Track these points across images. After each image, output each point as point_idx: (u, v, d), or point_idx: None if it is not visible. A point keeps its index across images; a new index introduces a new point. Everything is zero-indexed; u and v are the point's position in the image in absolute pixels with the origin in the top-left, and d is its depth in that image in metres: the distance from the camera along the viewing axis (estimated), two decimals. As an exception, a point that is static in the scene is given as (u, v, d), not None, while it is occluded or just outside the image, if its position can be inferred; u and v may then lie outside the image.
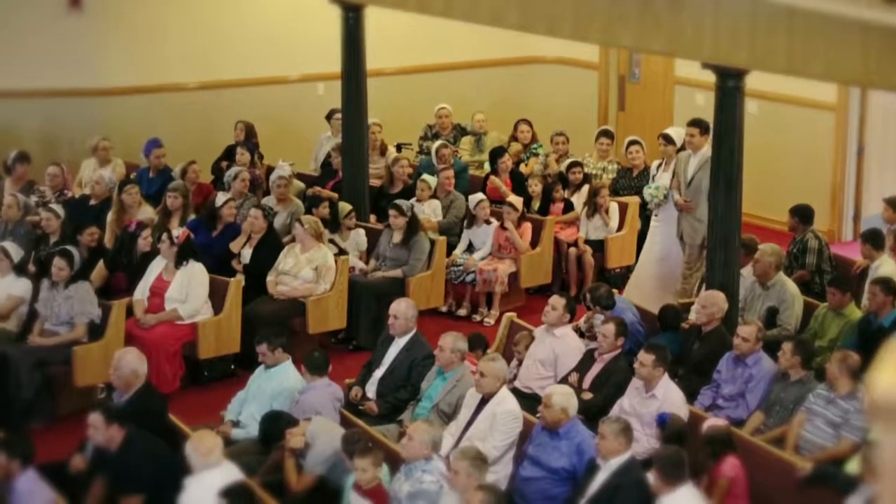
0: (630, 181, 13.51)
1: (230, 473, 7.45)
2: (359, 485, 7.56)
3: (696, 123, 11.29)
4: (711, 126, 9.66)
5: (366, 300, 11.51)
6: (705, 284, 9.98)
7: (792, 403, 8.56)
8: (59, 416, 10.23)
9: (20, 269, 10.65)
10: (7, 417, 9.88)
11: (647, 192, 11.79)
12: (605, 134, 13.97)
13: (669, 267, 11.59)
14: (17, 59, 14.44)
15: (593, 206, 12.76)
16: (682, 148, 11.70)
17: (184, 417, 8.83)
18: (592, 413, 8.56)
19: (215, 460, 7.46)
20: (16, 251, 10.70)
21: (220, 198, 11.92)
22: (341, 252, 11.63)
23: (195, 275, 10.75)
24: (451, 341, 9.00)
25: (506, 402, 8.32)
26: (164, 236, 10.83)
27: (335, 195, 12.84)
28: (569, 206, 13.05)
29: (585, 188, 13.06)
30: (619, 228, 12.83)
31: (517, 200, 12.52)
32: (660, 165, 11.99)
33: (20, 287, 10.54)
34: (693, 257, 11.33)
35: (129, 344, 9.99)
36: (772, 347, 9.09)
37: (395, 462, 7.90)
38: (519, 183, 13.40)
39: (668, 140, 11.93)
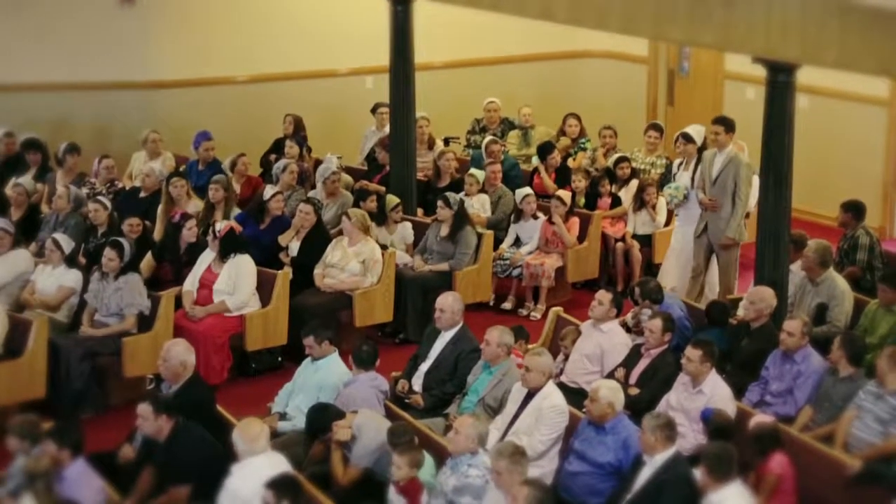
0: (679, 175, 13.46)
1: (275, 461, 7.49)
2: (395, 480, 7.60)
3: (721, 121, 11.19)
4: (762, 121, 9.57)
5: (412, 293, 11.54)
6: (753, 280, 9.93)
7: (841, 400, 8.49)
8: (109, 406, 10.32)
9: (71, 261, 10.74)
10: (58, 407, 10.03)
11: (667, 191, 11.72)
12: (654, 128, 13.90)
13: (680, 265, 11.51)
14: (71, 53, 14.61)
15: (640, 201, 12.72)
16: (703, 147, 11.60)
17: (231, 409, 8.87)
18: (639, 408, 8.52)
19: (261, 447, 7.51)
20: (67, 243, 10.77)
21: (268, 191, 11.98)
22: (383, 248, 11.66)
23: (242, 267, 10.81)
24: (498, 335, 9.00)
25: (552, 396, 8.32)
26: (210, 230, 10.90)
27: (382, 188, 12.87)
28: (616, 201, 13.01)
29: (633, 183, 13.02)
30: (667, 223, 12.78)
31: (565, 195, 12.51)
32: (680, 164, 11.85)
33: (71, 278, 10.63)
34: (721, 259, 11.21)
35: (178, 335, 10.09)
36: (821, 344, 9.03)
37: (441, 456, 7.92)
38: (566, 178, 13.37)
39: (688, 139, 11.77)
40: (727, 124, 11.11)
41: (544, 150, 13.63)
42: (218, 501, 7.46)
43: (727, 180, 10.96)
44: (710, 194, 11.14)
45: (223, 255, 10.78)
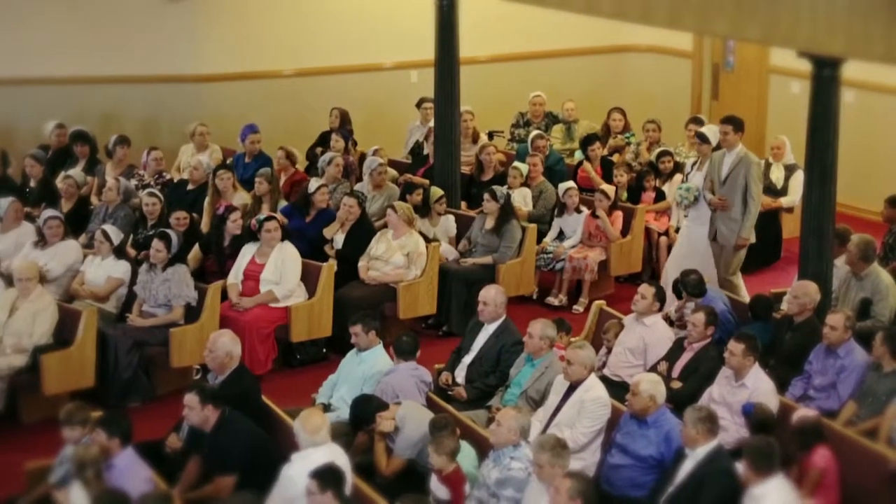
0: (722, 170, 13.44)
1: (335, 453, 7.53)
2: (435, 469, 7.66)
3: (730, 120, 11.09)
4: (807, 115, 9.53)
5: (456, 286, 11.59)
6: (797, 274, 9.90)
7: (885, 395, 8.45)
8: (156, 396, 10.44)
9: (119, 252, 10.84)
10: (106, 397, 10.15)
11: (678, 192, 11.59)
12: (696, 122, 13.87)
13: (690, 267, 11.10)
14: (120, 47, 14.77)
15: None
16: (719, 147, 11.45)
17: (276, 399, 8.94)
18: (681, 402, 8.53)
19: (322, 439, 7.53)
20: (116, 234, 10.88)
21: (313, 184, 12.06)
22: (427, 240, 11.70)
23: (288, 256, 10.89)
24: (541, 328, 9.02)
25: (594, 389, 8.33)
26: (270, 224, 10.96)
27: (426, 182, 12.93)
28: (660, 195, 13.01)
29: (677, 177, 13.00)
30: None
31: (609, 188, 12.53)
32: (694, 164, 11.75)
33: (120, 269, 10.74)
34: (729, 262, 11.11)
35: (224, 326, 10.17)
36: (866, 339, 8.99)
37: (483, 447, 7.95)
38: (609, 172, 13.38)
39: (703, 139, 11.61)
40: (736, 124, 11.01)
41: (587, 141, 13.64)
42: (274, 488, 7.50)
43: (737, 180, 10.86)
44: (719, 194, 11.01)
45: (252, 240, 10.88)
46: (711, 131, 11.62)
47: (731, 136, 10.97)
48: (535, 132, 13.97)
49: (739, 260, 11.26)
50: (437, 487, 7.66)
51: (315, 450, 7.47)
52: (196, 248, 11.41)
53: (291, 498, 7.29)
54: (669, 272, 11.40)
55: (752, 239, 11.31)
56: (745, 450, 7.32)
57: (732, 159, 10.97)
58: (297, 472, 7.29)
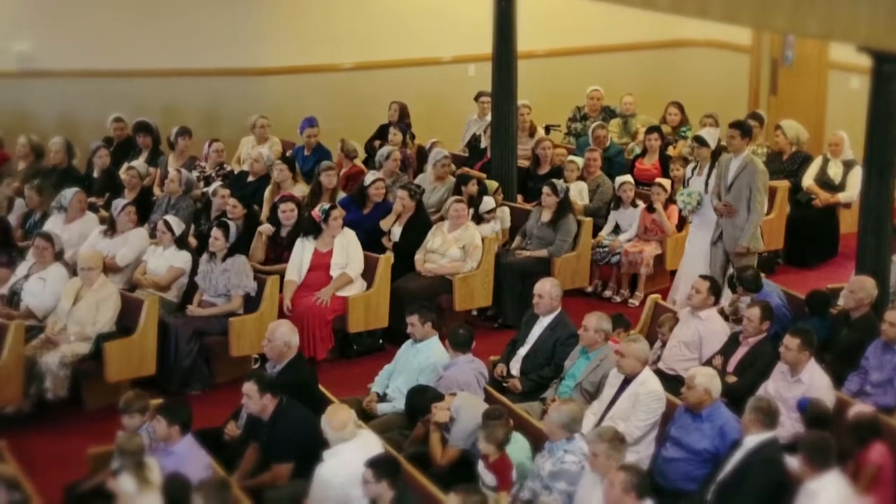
0: (780, 165, 13.39)
1: (366, 445, 7.58)
2: (482, 454, 7.72)
3: (738, 125, 10.95)
4: (866, 111, 9.47)
5: (511, 279, 11.63)
6: (855, 270, 9.85)
7: (942, 391, 8.43)
8: (215, 384, 10.56)
9: (181, 242, 10.96)
10: (167, 384, 10.30)
11: (680, 198, 11.39)
12: (754, 117, 13.82)
13: (697, 271, 10.90)
14: (183, 40, 14.95)
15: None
16: (718, 150, 11.26)
17: (333, 389, 9.02)
18: (736, 396, 8.53)
19: (350, 433, 7.59)
20: (177, 224, 11.00)
21: (369, 177, 12.13)
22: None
23: (351, 239, 11.04)
24: (595, 321, 9.05)
25: (648, 382, 8.33)
26: (336, 212, 11.06)
27: (483, 175, 12.98)
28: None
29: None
30: (768, 212, 12.71)
31: (666, 182, 12.52)
32: (694, 169, 11.50)
33: (181, 259, 10.86)
34: (735, 266, 10.80)
35: (284, 316, 10.28)
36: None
37: (537, 439, 7.99)
38: (665, 166, 13.36)
39: (702, 142, 11.35)
40: (743, 128, 10.88)
41: (649, 131, 13.65)
42: (311, 488, 7.55)
43: (742, 186, 10.69)
44: (725, 200, 10.84)
45: (306, 234, 10.99)
46: (710, 135, 11.40)
47: (737, 141, 10.76)
48: (595, 123, 14.00)
49: (751, 263, 10.91)
50: (485, 473, 7.74)
51: (344, 445, 7.54)
52: (258, 237, 11.49)
53: (328, 497, 7.39)
54: (680, 278, 11.34)
55: (761, 247, 11.11)
56: (801, 444, 7.30)
57: (738, 165, 10.77)
58: (329, 472, 7.39)
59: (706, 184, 11.16)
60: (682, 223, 12.44)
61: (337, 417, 7.60)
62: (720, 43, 16.30)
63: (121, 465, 7.56)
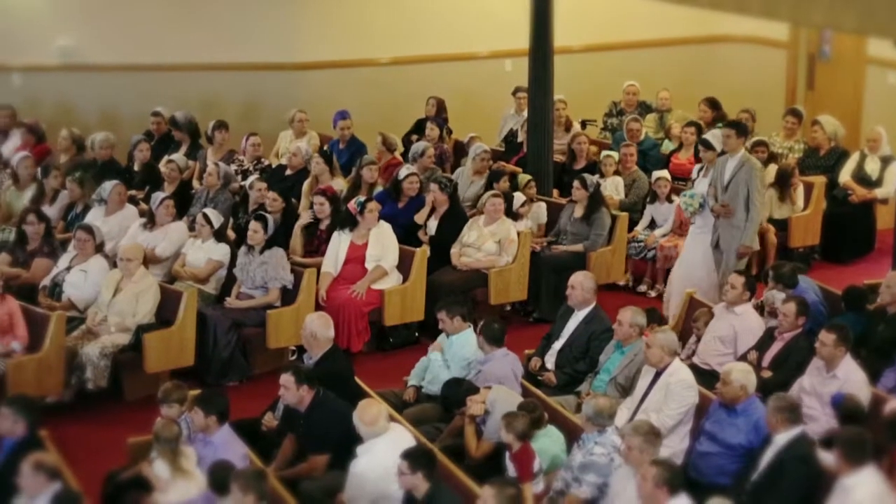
0: (817, 160, 13.36)
1: (398, 439, 7.62)
2: (508, 445, 7.79)
3: (733, 125, 10.87)
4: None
5: (546, 273, 11.67)
6: (891, 265, 9.81)
7: (978, 388, 8.40)
8: (253, 375, 10.65)
9: (220, 235, 11.04)
10: (205, 375, 10.40)
11: (683, 200, 11.20)
12: (793, 113, 13.80)
13: (696, 276, 10.85)
14: (223, 35, 15.05)
15: (784, 188, 12.64)
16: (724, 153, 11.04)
17: (369, 381, 9.09)
18: (772, 392, 8.51)
19: (382, 428, 7.64)
20: (216, 217, 11.09)
21: (403, 171, 12.19)
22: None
23: (386, 232, 11.11)
24: (630, 316, 9.07)
25: (679, 372, 8.36)
26: (372, 204, 11.14)
27: (519, 170, 13.02)
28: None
29: (771, 167, 12.94)
30: (805, 208, 12.70)
31: (702, 178, 12.51)
32: (700, 170, 11.35)
33: (219, 252, 10.94)
34: (730, 266, 10.67)
35: (320, 308, 10.36)
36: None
37: (572, 433, 8.04)
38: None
39: (707, 146, 11.13)
40: (739, 128, 10.77)
41: (685, 126, 13.63)
42: (347, 484, 7.62)
43: (739, 186, 10.57)
44: (721, 200, 10.70)
45: (342, 227, 11.06)
46: (716, 137, 11.16)
47: (732, 141, 10.63)
48: (629, 117, 14.01)
49: (742, 266, 10.86)
50: (508, 463, 7.81)
51: (377, 440, 7.59)
52: (297, 231, 11.57)
53: (364, 493, 7.45)
54: (674, 283, 11.17)
55: (756, 246, 11.06)
56: (837, 440, 7.26)
57: (734, 164, 10.66)
58: (364, 467, 7.44)
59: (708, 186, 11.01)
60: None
61: (368, 412, 7.66)
62: (757, 38, 16.24)
63: (156, 451, 7.69)
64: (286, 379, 8.12)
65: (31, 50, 14.96)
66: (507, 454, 7.83)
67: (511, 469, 7.78)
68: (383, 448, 7.49)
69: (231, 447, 7.80)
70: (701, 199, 10.94)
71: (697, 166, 11.61)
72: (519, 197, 11.96)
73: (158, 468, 7.63)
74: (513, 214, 11.81)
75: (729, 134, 10.69)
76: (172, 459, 7.62)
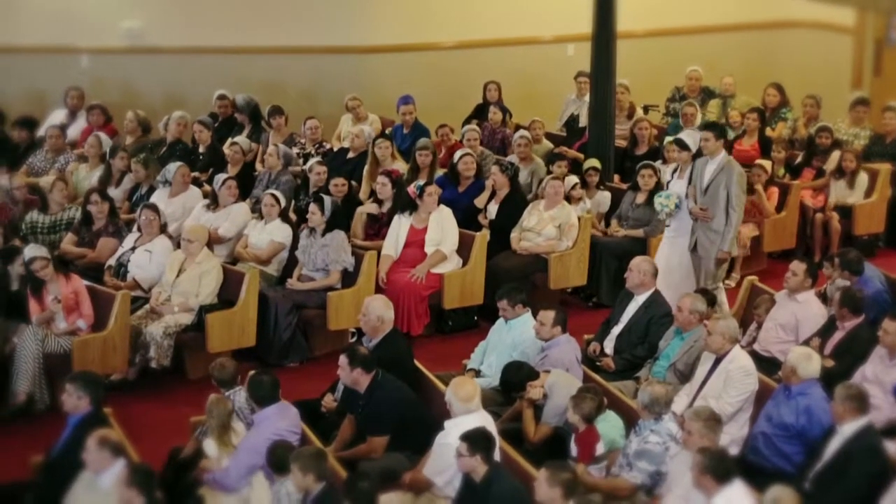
0: (883, 148, 13.22)
1: (486, 420, 7.66)
2: (574, 427, 7.82)
3: (711, 127, 10.65)
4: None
5: (606, 258, 11.65)
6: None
7: None
8: (313, 357, 10.73)
9: (283, 217, 11.12)
10: (266, 356, 10.50)
11: (658, 201, 10.87)
12: (862, 102, 13.67)
13: (673, 281, 10.47)
14: (286, 18, 15.14)
15: (840, 171, 12.54)
16: (699, 154, 10.74)
17: (428, 364, 9.13)
18: (833, 380, 8.46)
19: (475, 406, 7.67)
20: (281, 199, 11.19)
21: (458, 153, 12.21)
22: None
23: (446, 216, 11.14)
24: (690, 302, 9.03)
25: (738, 359, 8.32)
26: (431, 188, 11.17)
27: (581, 155, 13.00)
28: (820, 173, 12.86)
29: (835, 154, 12.83)
30: (869, 195, 12.57)
31: (766, 163, 12.43)
32: (674, 172, 11.06)
33: (282, 234, 11.03)
34: (710, 272, 10.45)
35: (381, 291, 10.42)
36: None
37: (631, 418, 8.01)
38: (766, 147, 13.27)
39: (682, 146, 10.80)
40: (717, 130, 10.51)
41: (748, 112, 13.54)
42: (430, 455, 7.66)
43: (718, 189, 10.30)
44: (700, 203, 10.42)
45: (403, 210, 11.11)
46: (691, 137, 10.91)
47: (711, 143, 10.34)
48: (685, 102, 13.92)
49: (723, 271, 10.70)
50: (572, 445, 7.83)
51: (468, 417, 7.59)
52: (358, 215, 11.63)
53: (448, 466, 7.45)
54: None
55: (735, 252, 10.85)
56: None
57: (714, 167, 10.38)
58: (453, 440, 7.38)
59: (687, 188, 10.72)
60: (782, 205, 12.35)
61: (464, 389, 7.68)
62: (824, 24, 16.07)
63: (206, 428, 7.79)
64: (342, 360, 8.18)
65: (98, 32, 15.15)
66: (574, 435, 7.84)
67: (574, 450, 7.80)
68: (472, 425, 7.42)
69: (272, 423, 7.81)
70: (677, 201, 10.63)
71: (671, 167, 11.34)
72: (570, 180, 11.93)
73: (207, 446, 7.74)
74: (567, 197, 11.81)
75: (708, 137, 10.38)
76: (221, 436, 7.72)
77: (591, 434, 7.77)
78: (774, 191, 12.39)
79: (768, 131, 13.81)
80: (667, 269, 10.41)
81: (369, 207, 11.63)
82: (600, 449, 7.74)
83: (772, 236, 12.33)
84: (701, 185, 10.46)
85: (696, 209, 10.45)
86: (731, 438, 8.07)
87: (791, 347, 8.56)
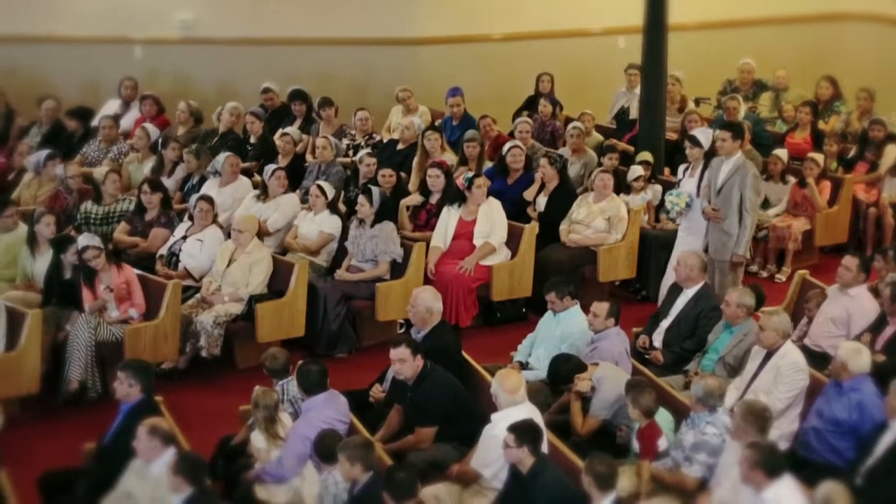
0: (937, 141, 13.09)
1: (532, 412, 7.67)
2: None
3: (729, 126, 10.45)
4: None
5: (656, 251, 11.60)
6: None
7: None
8: (362, 347, 10.77)
9: (332, 208, 11.17)
10: (315, 346, 10.55)
11: (668, 199, 10.76)
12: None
13: None
14: (337, 9, 15.19)
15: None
16: (711, 152, 10.59)
17: (475, 356, 9.13)
18: (885, 375, 8.39)
19: (521, 398, 7.68)
20: (329, 190, 11.23)
21: (506, 146, 12.21)
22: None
23: (495, 208, 11.14)
24: (737, 296, 8.99)
25: (789, 354, 8.28)
26: (480, 180, 11.17)
27: (631, 148, 12.95)
28: (874, 168, 12.75)
29: (891, 148, 12.71)
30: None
31: (819, 157, 12.34)
32: (686, 169, 10.94)
33: (331, 225, 11.08)
34: (724, 276, 10.31)
35: (429, 282, 10.44)
36: None
37: (680, 412, 8.00)
38: (819, 140, 13.17)
39: (695, 142, 10.69)
40: (734, 130, 10.34)
41: (801, 105, 13.45)
42: (477, 448, 7.68)
43: (732, 190, 10.15)
44: (714, 204, 10.30)
45: (452, 202, 11.11)
46: (704, 134, 10.76)
47: (728, 143, 10.19)
48: (728, 95, 13.83)
49: (737, 277, 10.47)
50: (634, 441, 7.82)
51: (515, 409, 7.60)
52: (402, 208, 11.63)
53: (495, 458, 7.47)
54: (665, 288, 10.66)
55: (747, 255, 10.64)
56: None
57: (730, 167, 10.23)
58: (500, 432, 7.39)
59: (698, 186, 10.61)
60: (834, 199, 12.25)
61: (508, 381, 7.70)
62: (880, 16, 15.91)
63: (254, 420, 7.85)
64: (402, 352, 8.10)
65: (152, 24, 15.30)
66: (635, 431, 7.83)
67: (636, 446, 7.79)
68: (519, 417, 7.45)
69: (321, 411, 7.84)
70: (688, 199, 10.52)
71: (683, 165, 11.20)
72: (635, 169, 11.89)
73: (255, 438, 7.79)
74: (626, 187, 11.75)
75: (725, 137, 10.23)
76: (268, 427, 7.77)
77: (653, 429, 7.75)
78: (827, 185, 12.30)
79: (821, 124, 13.70)
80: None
81: (411, 200, 11.65)
82: (663, 444, 7.72)
83: (824, 230, 12.24)
84: (715, 186, 10.33)
85: (709, 209, 10.32)
86: (781, 433, 8.03)
87: (841, 342, 8.50)
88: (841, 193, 12.30)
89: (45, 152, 12.29)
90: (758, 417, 7.12)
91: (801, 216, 12.22)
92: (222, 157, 11.92)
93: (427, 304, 8.91)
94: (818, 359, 8.96)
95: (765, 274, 12.25)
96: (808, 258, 12.30)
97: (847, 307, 9.39)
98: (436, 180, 11.52)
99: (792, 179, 12.35)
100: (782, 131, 13.71)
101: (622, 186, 11.96)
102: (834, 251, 12.33)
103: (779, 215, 12.30)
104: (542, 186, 11.84)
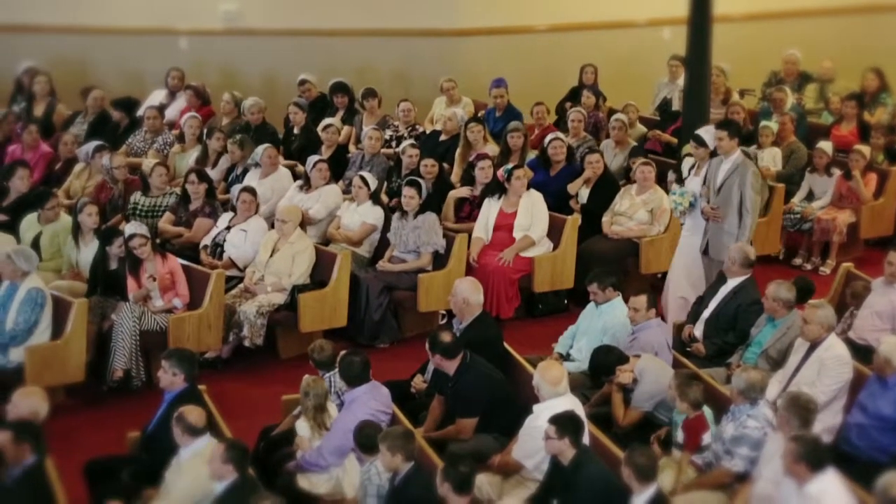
0: None
1: (574, 403, 7.68)
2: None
3: (726, 125, 10.27)
4: None
5: (700, 243, 11.55)
6: None
7: None
8: (404, 338, 10.81)
9: (374, 199, 11.19)
10: (357, 336, 10.59)
11: (672, 198, 10.58)
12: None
13: (692, 278, 10.33)
14: (379, 2, 15.22)
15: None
16: (716, 151, 10.44)
17: (517, 347, 9.14)
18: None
19: (563, 389, 7.68)
20: (372, 181, 11.25)
21: (549, 137, 12.18)
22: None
23: (536, 200, 11.13)
24: (774, 290, 8.90)
25: (833, 347, 8.23)
26: (520, 171, 11.15)
27: (674, 140, 12.90)
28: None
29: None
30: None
31: (865, 149, 12.25)
32: (691, 168, 10.76)
33: (374, 215, 11.10)
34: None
35: (471, 273, 10.45)
36: None
37: (721, 405, 7.97)
38: (865, 132, 13.06)
39: (700, 142, 10.51)
40: (731, 129, 10.15)
41: (847, 98, 13.34)
42: (519, 438, 7.69)
43: (731, 189, 10.01)
44: (713, 203, 10.14)
45: (493, 193, 11.09)
46: (709, 133, 10.56)
47: (725, 143, 10.04)
48: (775, 87, 13.74)
49: None
50: (679, 432, 7.79)
51: (557, 400, 7.60)
52: (450, 200, 11.61)
53: (537, 449, 7.47)
54: (669, 288, 10.63)
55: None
56: None
57: (728, 167, 10.08)
58: (542, 423, 7.38)
59: (702, 186, 10.45)
60: (880, 191, 12.15)
61: (550, 372, 7.70)
62: (928, 7, 15.77)
63: (301, 408, 7.89)
64: (436, 359, 8.19)
65: (197, 15, 15.38)
66: (681, 422, 7.80)
67: (680, 437, 7.77)
68: (561, 408, 7.44)
69: (363, 403, 7.88)
70: (692, 198, 10.36)
71: (689, 163, 11.07)
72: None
73: (300, 426, 7.83)
74: (681, 180, 11.72)
75: (721, 136, 10.10)
76: (315, 416, 7.81)
77: (700, 422, 7.72)
78: (873, 177, 12.20)
79: (867, 116, 13.58)
80: (684, 269, 10.38)
81: (461, 192, 11.65)
82: (707, 438, 7.69)
83: (869, 223, 12.15)
84: (714, 185, 10.22)
85: (708, 208, 10.21)
86: (824, 427, 7.98)
87: (884, 337, 8.43)
88: (887, 186, 12.21)
89: (94, 143, 12.38)
90: (802, 409, 7.09)
91: (846, 209, 12.13)
92: (260, 149, 11.96)
93: (464, 294, 8.93)
94: (862, 352, 8.88)
95: (809, 266, 12.17)
96: (853, 251, 12.22)
97: (893, 300, 9.31)
98: (487, 171, 11.50)
99: (837, 172, 12.26)
100: (828, 123, 13.60)
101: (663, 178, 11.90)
102: (879, 244, 12.25)
103: (824, 208, 12.21)
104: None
